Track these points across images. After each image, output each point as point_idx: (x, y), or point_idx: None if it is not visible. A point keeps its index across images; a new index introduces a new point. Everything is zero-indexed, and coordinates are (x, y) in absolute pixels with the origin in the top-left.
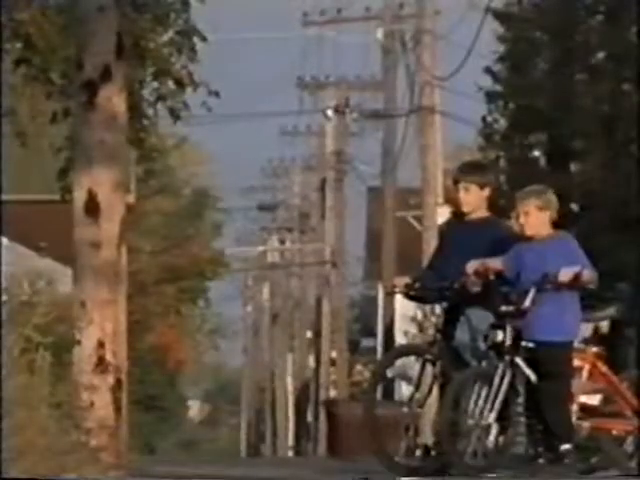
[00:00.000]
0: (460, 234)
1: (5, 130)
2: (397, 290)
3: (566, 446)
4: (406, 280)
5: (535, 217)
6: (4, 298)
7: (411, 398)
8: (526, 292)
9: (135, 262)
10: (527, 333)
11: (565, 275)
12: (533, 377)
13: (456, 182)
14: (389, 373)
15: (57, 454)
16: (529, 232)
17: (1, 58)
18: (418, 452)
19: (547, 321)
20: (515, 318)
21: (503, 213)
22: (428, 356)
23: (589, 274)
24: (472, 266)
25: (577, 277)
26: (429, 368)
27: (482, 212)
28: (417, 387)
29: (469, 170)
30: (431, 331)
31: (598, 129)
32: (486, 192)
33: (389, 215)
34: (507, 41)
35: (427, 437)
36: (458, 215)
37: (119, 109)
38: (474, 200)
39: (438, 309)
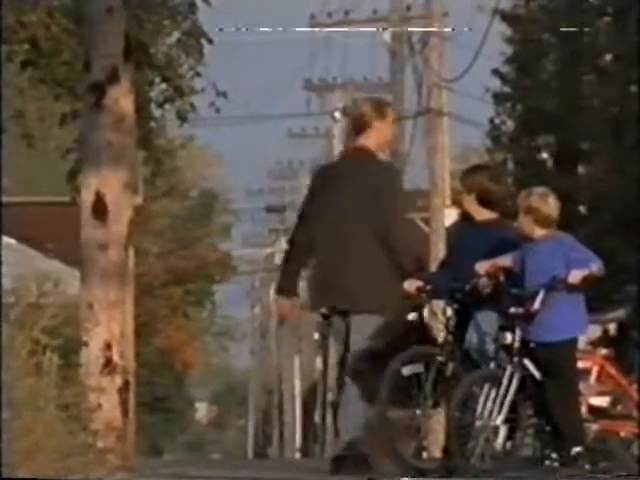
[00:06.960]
0: (469, 235)
1: (13, 132)
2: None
3: (577, 448)
4: (417, 283)
5: (522, 218)
6: (12, 300)
7: (423, 400)
8: (535, 294)
9: (142, 264)
10: (532, 334)
11: (574, 277)
12: (541, 379)
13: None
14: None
15: (64, 456)
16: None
17: (1, 59)
18: (427, 454)
19: (550, 321)
20: (524, 320)
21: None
22: (440, 358)
23: (597, 267)
24: (483, 266)
25: (586, 278)
26: (441, 370)
27: (490, 214)
28: (428, 389)
29: (469, 173)
30: (442, 333)
31: (606, 131)
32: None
33: None
34: (515, 43)
35: (439, 439)
36: (467, 217)
37: (127, 111)
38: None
39: (449, 311)
